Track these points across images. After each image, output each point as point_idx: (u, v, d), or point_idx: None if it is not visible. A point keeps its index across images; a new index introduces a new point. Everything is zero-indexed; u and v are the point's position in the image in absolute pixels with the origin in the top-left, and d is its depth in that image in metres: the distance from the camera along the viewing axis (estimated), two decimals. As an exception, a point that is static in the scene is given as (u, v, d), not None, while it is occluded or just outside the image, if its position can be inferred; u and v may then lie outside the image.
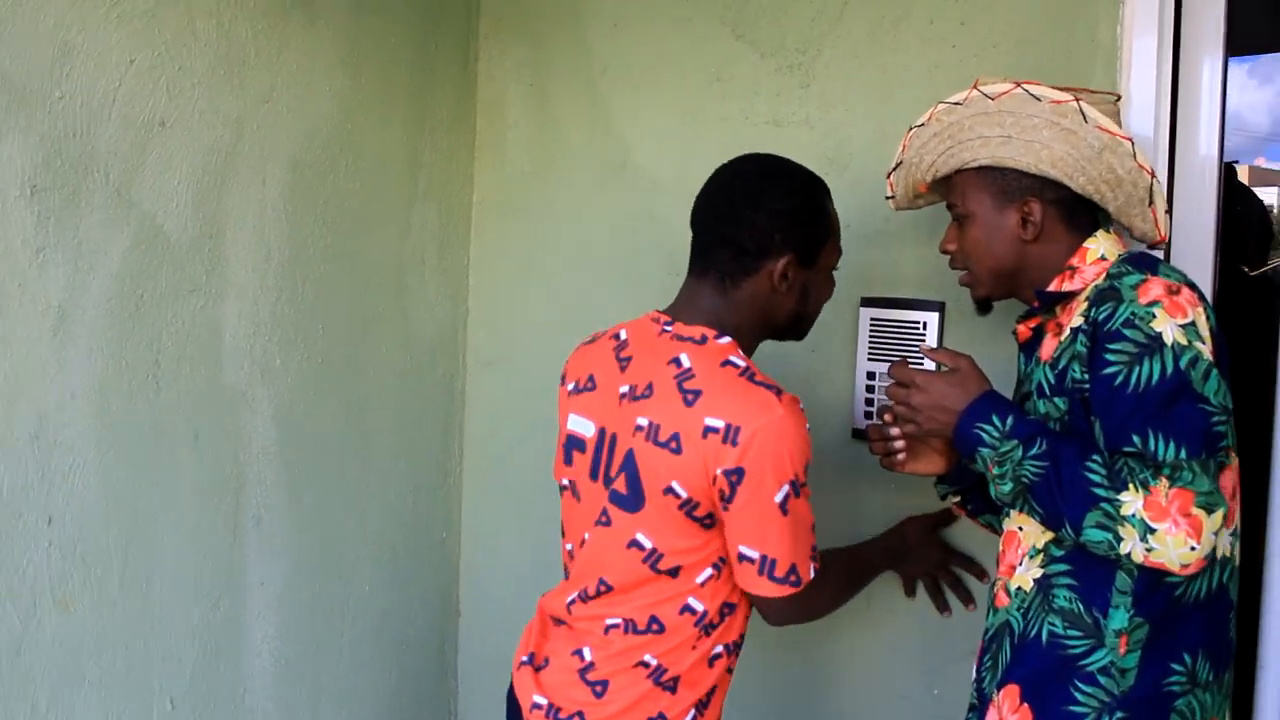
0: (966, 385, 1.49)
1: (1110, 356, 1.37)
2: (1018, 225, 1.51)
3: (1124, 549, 1.32)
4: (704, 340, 1.51)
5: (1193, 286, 1.41)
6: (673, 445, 1.46)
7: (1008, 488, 1.43)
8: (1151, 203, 1.52)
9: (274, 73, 1.98)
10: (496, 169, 2.43)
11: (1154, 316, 1.35)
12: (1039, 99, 1.48)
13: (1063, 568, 1.46)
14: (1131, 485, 1.32)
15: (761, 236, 1.51)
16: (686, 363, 1.49)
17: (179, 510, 1.86)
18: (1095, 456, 1.36)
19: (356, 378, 2.21)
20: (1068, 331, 1.47)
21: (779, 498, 1.43)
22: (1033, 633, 1.47)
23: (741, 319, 1.55)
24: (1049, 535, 1.47)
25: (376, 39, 2.20)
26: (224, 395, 1.93)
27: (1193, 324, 1.35)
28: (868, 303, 1.97)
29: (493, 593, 2.49)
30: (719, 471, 1.43)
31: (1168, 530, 1.29)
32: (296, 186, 2.04)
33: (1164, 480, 1.31)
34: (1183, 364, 1.33)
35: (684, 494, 1.46)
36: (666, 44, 2.20)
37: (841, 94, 2.02)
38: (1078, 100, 1.47)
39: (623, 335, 1.60)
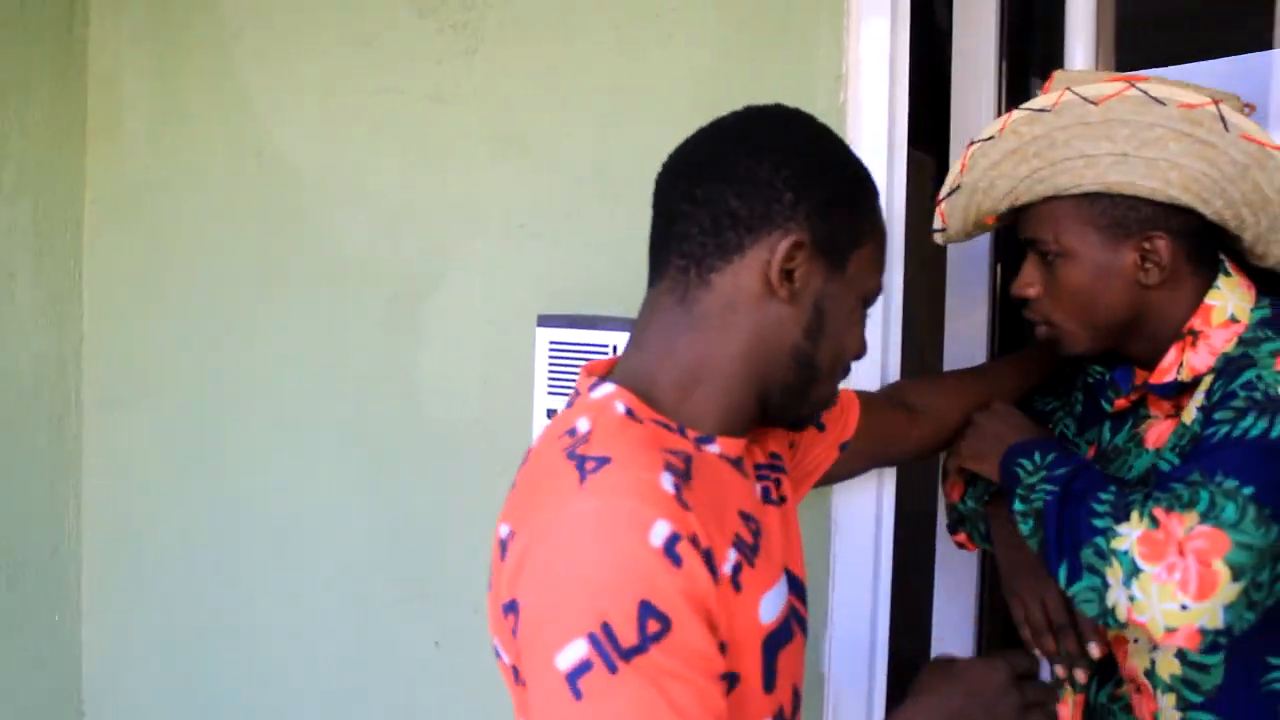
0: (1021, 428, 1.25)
1: (1217, 416, 1.06)
2: (1135, 267, 1.15)
3: (1110, 599, 1.00)
4: (575, 397, 0.94)
5: None
6: (491, 583, 0.91)
7: (1028, 526, 1.12)
8: None
9: None
10: (113, 159, 1.95)
11: None
12: (1163, 102, 1.11)
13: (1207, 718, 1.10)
14: (1136, 513, 1.00)
15: (760, 189, 0.89)
16: (536, 441, 0.96)
17: None
18: (1111, 485, 1.05)
19: (-88, 429, 1.71)
20: (1194, 412, 1.14)
21: (564, 663, 0.76)
22: None
23: (708, 349, 0.91)
24: (1174, 663, 1.12)
25: (-75, -13, 1.70)
26: None
27: None
28: (546, 321, 1.58)
29: (126, 684, 2.02)
30: (502, 608, 0.85)
31: (1156, 576, 0.95)
32: None
33: (1190, 514, 0.96)
34: None
35: (505, 657, 0.89)
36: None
37: (515, 59, 1.63)
38: (1216, 104, 1.12)
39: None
